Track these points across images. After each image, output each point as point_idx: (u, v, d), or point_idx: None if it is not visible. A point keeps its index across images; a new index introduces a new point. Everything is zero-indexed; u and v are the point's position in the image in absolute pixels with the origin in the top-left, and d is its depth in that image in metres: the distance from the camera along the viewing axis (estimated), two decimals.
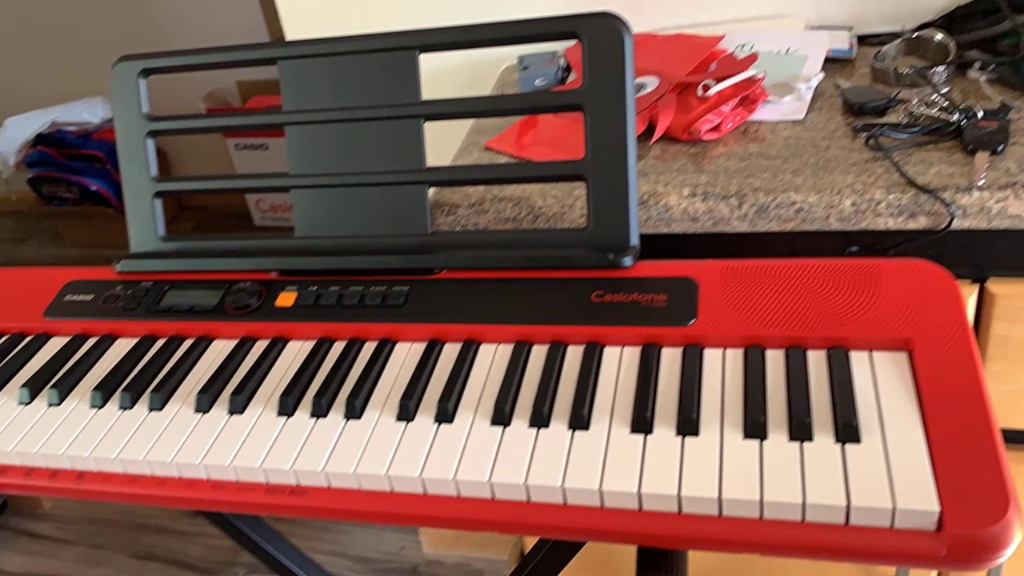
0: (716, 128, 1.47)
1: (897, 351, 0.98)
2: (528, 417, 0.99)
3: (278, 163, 4.39)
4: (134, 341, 1.26)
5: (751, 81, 1.50)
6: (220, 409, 1.10)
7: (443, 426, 1.01)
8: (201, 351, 1.21)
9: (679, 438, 0.93)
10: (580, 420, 0.97)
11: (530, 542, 2.04)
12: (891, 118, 1.44)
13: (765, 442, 0.90)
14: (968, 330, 0.96)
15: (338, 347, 1.17)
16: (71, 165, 4.65)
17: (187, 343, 1.23)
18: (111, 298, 1.30)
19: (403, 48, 1.21)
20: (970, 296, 1.35)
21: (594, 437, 0.95)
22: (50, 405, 1.17)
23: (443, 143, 1.90)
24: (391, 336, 1.16)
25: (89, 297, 1.31)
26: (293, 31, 2.11)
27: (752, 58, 1.56)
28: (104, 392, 1.15)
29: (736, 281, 1.07)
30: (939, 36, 1.61)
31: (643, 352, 1.04)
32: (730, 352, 1.03)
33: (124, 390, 1.14)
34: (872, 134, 1.38)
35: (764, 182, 1.31)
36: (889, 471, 0.84)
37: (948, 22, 1.69)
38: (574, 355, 1.07)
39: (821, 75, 1.60)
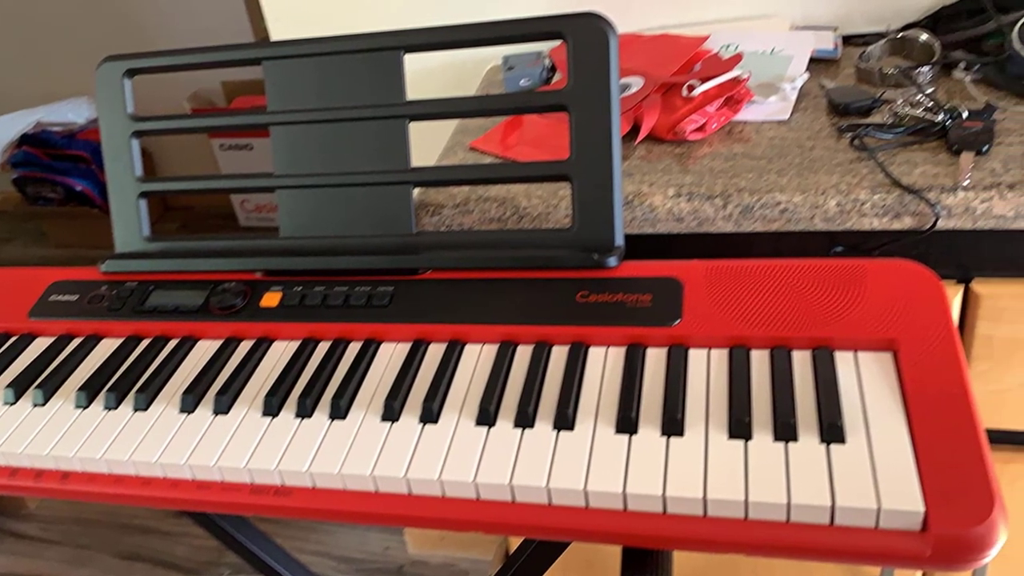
0: (701, 128, 1.47)
1: (882, 351, 0.99)
2: (513, 417, 0.99)
3: (263, 163, 4.39)
4: (119, 341, 1.26)
5: (736, 81, 1.50)
6: (205, 409, 1.10)
7: (428, 426, 1.01)
8: (186, 351, 1.21)
9: (664, 438, 0.93)
10: (565, 420, 0.96)
11: (515, 542, 2.04)
12: (876, 118, 1.45)
13: (750, 442, 0.90)
14: (953, 330, 0.96)
15: (323, 347, 1.17)
16: (56, 165, 4.65)
17: (172, 343, 1.23)
18: (96, 298, 1.29)
19: (388, 48, 1.20)
20: (955, 296, 1.35)
21: (579, 437, 0.95)
22: (35, 405, 1.17)
23: (428, 143, 1.90)
24: (376, 336, 1.16)
25: (74, 297, 1.31)
26: (278, 31, 2.10)
27: (737, 58, 1.56)
28: (89, 392, 1.15)
29: (721, 281, 1.07)
30: (924, 36, 1.61)
31: (628, 352, 1.05)
32: (715, 352, 1.03)
33: (109, 390, 1.14)
34: (857, 134, 1.38)
35: (749, 182, 1.32)
36: (874, 471, 0.85)
37: (933, 22, 1.69)
38: (559, 355, 1.07)
39: (806, 75, 1.60)
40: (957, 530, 0.78)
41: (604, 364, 1.05)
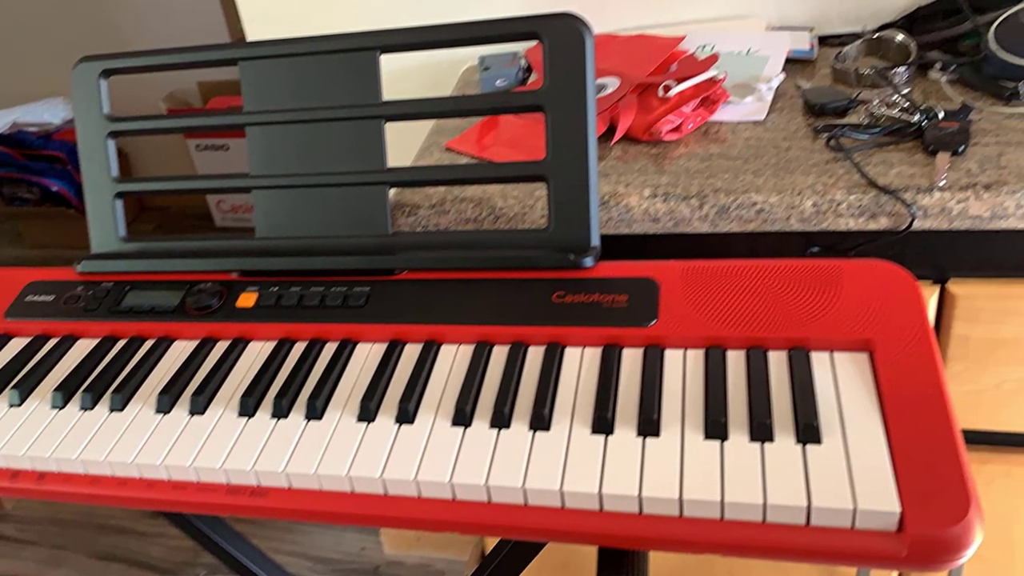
0: (677, 129, 1.47)
1: (858, 352, 0.99)
2: (489, 418, 0.99)
3: (239, 164, 4.38)
4: (95, 342, 1.25)
5: (712, 82, 1.50)
6: (181, 410, 1.10)
7: (404, 427, 1.00)
8: (162, 352, 1.20)
9: (640, 439, 0.93)
10: (541, 421, 0.96)
11: (491, 543, 2.04)
12: (852, 119, 1.45)
13: (726, 443, 0.90)
14: (929, 331, 0.96)
15: (299, 348, 1.17)
16: (32, 166, 4.63)
17: (148, 344, 1.23)
18: (72, 299, 1.29)
19: (364, 49, 1.20)
20: (931, 297, 1.35)
21: (555, 438, 0.95)
22: (11, 406, 1.16)
23: (404, 144, 1.90)
24: (352, 337, 1.16)
25: (50, 298, 1.30)
26: (254, 32, 2.10)
27: (713, 59, 1.56)
28: (65, 393, 1.15)
29: (697, 282, 1.07)
30: (900, 37, 1.62)
31: (604, 353, 1.05)
32: (691, 353, 1.04)
33: (85, 391, 1.14)
34: (833, 135, 1.39)
35: (725, 183, 1.32)
36: (850, 472, 0.85)
37: (909, 23, 1.70)
38: (535, 356, 1.07)
39: (782, 76, 1.61)
40: (933, 530, 0.79)
41: (580, 364, 1.05)
